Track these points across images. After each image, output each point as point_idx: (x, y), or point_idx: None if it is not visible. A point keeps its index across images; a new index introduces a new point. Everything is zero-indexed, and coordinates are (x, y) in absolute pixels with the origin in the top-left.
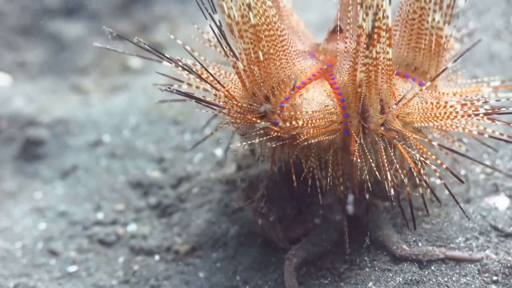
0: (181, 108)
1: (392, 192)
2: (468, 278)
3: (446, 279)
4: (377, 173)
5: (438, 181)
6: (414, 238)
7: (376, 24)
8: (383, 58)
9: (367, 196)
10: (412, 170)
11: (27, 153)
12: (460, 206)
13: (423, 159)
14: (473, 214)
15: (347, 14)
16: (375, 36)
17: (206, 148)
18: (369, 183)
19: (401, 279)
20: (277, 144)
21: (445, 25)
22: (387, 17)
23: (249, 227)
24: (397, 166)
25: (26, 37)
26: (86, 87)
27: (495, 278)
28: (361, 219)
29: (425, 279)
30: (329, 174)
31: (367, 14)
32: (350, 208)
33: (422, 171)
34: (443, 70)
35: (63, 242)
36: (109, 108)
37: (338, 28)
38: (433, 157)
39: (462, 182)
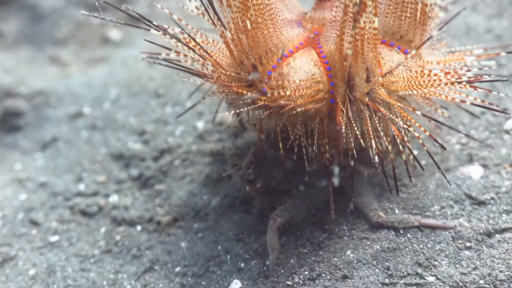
0: (162, 80)
1: (377, 159)
2: (442, 245)
3: (421, 246)
4: (362, 140)
5: (416, 152)
6: (391, 206)
7: None
8: (369, 28)
9: (352, 163)
10: (396, 137)
11: (6, 124)
12: (442, 173)
13: (407, 127)
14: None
15: None
16: (362, 6)
17: (187, 120)
18: (354, 151)
19: (378, 247)
20: (265, 113)
21: None
22: None
23: (230, 199)
24: (382, 134)
25: (1, 7)
26: (64, 59)
27: (468, 244)
28: (344, 186)
29: (401, 246)
30: (315, 142)
31: None
32: (336, 181)
33: (405, 138)
34: (428, 39)
35: (44, 212)
36: (89, 80)
37: None
38: (417, 124)
39: (444, 148)
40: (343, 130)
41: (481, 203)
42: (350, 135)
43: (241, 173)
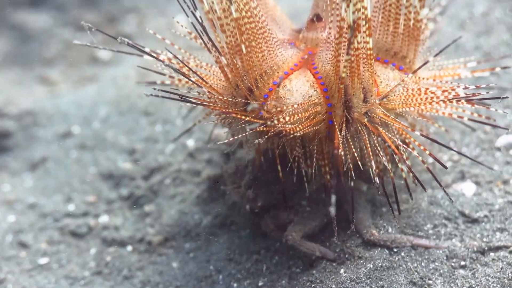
0: (152, 99)
1: (377, 179)
2: (436, 264)
3: (415, 264)
4: (361, 159)
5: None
6: (384, 224)
7: (357, 15)
8: (364, 48)
9: (352, 184)
10: (395, 155)
11: None
12: (444, 190)
13: (405, 146)
14: (442, 200)
15: (324, 2)
16: (356, 27)
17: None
18: (352, 172)
19: (372, 266)
20: (261, 139)
21: (421, 9)
22: (366, 7)
23: (221, 219)
24: (381, 153)
25: None
26: (53, 79)
27: (462, 263)
28: (342, 201)
29: (395, 265)
30: (314, 164)
31: (348, 6)
32: (332, 210)
33: (404, 156)
34: (424, 64)
35: (33, 234)
36: (78, 99)
37: (316, 18)
38: (416, 143)
39: (445, 167)
40: (341, 152)
41: (474, 220)
42: (349, 155)
43: (241, 192)
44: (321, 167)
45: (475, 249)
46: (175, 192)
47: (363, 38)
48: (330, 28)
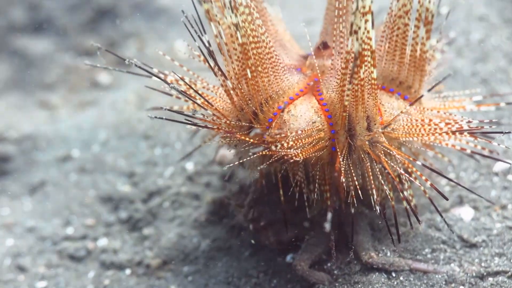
0: (151, 122)
1: (378, 208)
2: None
3: None
4: (362, 185)
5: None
6: (382, 248)
7: (362, 47)
8: (368, 78)
9: (353, 211)
10: (396, 184)
11: None
12: (442, 217)
13: (407, 175)
14: (440, 223)
15: (331, 29)
16: (361, 58)
17: (176, 162)
18: (354, 198)
19: None
20: (265, 165)
21: (428, 40)
22: (371, 39)
23: (219, 242)
24: (382, 181)
25: None
26: (53, 103)
27: (461, 287)
28: (344, 226)
29: None
30: (315, 189)
31: (354, 39)
32: (327, 226)
33: (406, 185)
34: (419, 98)
35: (31, 257)
36: (78, 123)
37: (323, 46)
38: (418, 173)
39: (446, 199)
40: (343, 179)
41: (473, 245)
42: (351, 182)
43: (244, 212)
44: (323, 192)
45: (474, 274)
46: (174, 215)
47: (368, 68)
48: (338, 55)
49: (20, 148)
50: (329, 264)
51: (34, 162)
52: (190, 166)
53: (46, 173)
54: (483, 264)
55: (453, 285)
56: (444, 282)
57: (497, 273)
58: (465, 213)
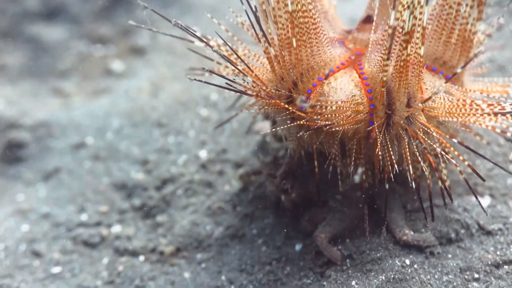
0: (165, 110)
1: (413, 184)
2: (450, 276)
3: (428, 277)
4: (398, 163)
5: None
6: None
7: (413, 22)
8: (415, 54)
9: (387, 186)
10: (432, 162)
11: (9, 155)
12: (479, 202)
13: (445, 154)
14: (459, 208)
15: (378, 5)
16: (410, 34)
17: (190, 149)
18: (389, 174)
19: (384, 278)
20: (304, 133)
21: (478, 22)
22: (423, 14)
23: (233, 230)
24: (419, 158)
25: (6, 41)
26: (67, 91)
27: (476, 275)
28: (377, 201)
29: (408, 277)
30: (349, 162)
31: (407, 14)
32: (357, 178)
33: (442, 165)
34: (466, 63)
35: (46, 243)
36: (92, 110)
37: (368, 19)
38: (456, 152)
39: (484, 180)
40: (379, 153)
41: (489, 233)
42: (387, 157)
43: (276, 183)
44: (358, 166)
45: (489, 262)
46: (187, 203)
47: (416, 45)
48: (381, 30)
49: (34, 135)
50: (347, 240)
51: (48, 149)
52: (203, 154)
53: (61, 160)
54: (498, 253)
55: (467, 273)
56: (459, 270)
57: None
58: (482, 200)
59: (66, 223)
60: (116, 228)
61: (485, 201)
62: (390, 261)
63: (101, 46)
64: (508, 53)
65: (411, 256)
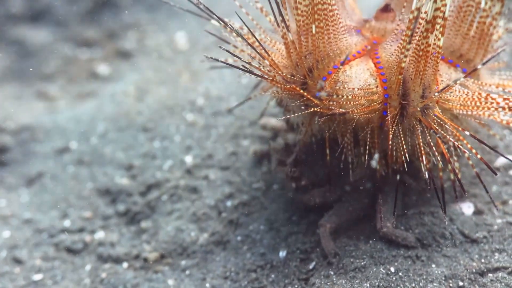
0: (151, 115)
1: (427, 175)
2: (435, 284)
3: (413, 284)
4: (410, 154)
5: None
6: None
7: (435, 13)
8: (434, 45)
9: (398, 177)
10: (444, 155)
11: None
12: (490, 198)
13: (458, 145)
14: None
15: None
16: (432, 24)
17: (175, 155)
18: (403, 164)
19: (368, 285)
20: (318, 120)
21: (499, 15)
22: (445, 5)
23: (218, 236)
24: (433, 150)
25: None
26: (52, 94)
27: (461, 283)
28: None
29: (392, 285)
30: (361, 151)
31: (431, 3)
32: (374, 163)
33: (454, 158)
34: (487, 61)
35: (28, 250)
36: (76, 114)
37: (386, 8)
38: (469, 146)
39: (496, 173)
40: (391, 142)
41: (473, 241)
42: (401, 148)
43: (286, 170)
44: (370, 155)
45: (474, 270)
46: (172, 208)
47: (436, 35)
48: (400, 20)
49: (17, 139)
50: (351, 233)
51: (31, 154)
52: (189, 159)
53: (44, 165)
54: (483, 260)
55: (452, 280)
56: (443, 278)
57: (497, 269)
58: (466, 208)
59: (48, 229)
60: (100, 234)
61: (470, 208)
62: (375, 269)
63: (86, 49)
64: None
65: (396, 264)
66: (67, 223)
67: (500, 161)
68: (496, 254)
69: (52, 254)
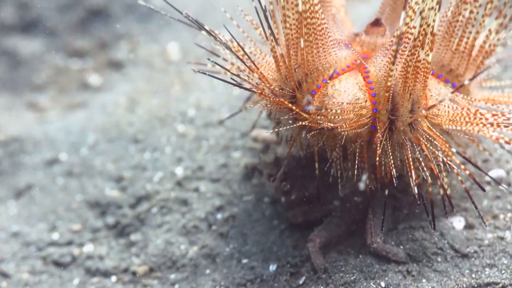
0: (142, 126)
1: (416, 190)
2: None
3: None
4: (399, 169)
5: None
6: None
7: (423, 28)
8: (423, 60)
9: (386, 192)
10: (434, 171)
11: None
12: (479, 213)
13: (448, 161)
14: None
15: (388, 10)
16: (422, 39)
17: (166, 166)
18: (392, 179)
19: None
20: (306, 134)
21: (493, 33)
22: (434, 21)
23: (207, 250)
24: (422, 165)
25: None
26: (42, 105)
27: None
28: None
29: None
30: (350, 166)
31: (418, 19)
32: (362, 185)
33: (443, 174)
34: (474, 77)
35: (15, 263)
36: (66, 125)
37: (376, 23)
38: (457, 161)
39: (484, 190)
40: (378, 159)
41: (464, 256)
42: (389, 163)
43: (276, 184)
44: (360, 169)
45: (465, 285)
46: (162, 221)
47: (424, 51)
48: (390, 34)
49: (6, 151)
50: (341, 247)
51: (20, 165)
52: (179, 171)
53: (33, 177)
54: (473, 276)
55: None
56: None
57: (487, 285)
58: (457, 222)
59: (36, 242)
60: (88, 247)
61: (461, 222)
62: (365, 283)
63: (78, 60)
64: None
65: (386, 279)
66: (55, 236)
67: (492, 175)
68: (487, 269)
69: (40, 268)
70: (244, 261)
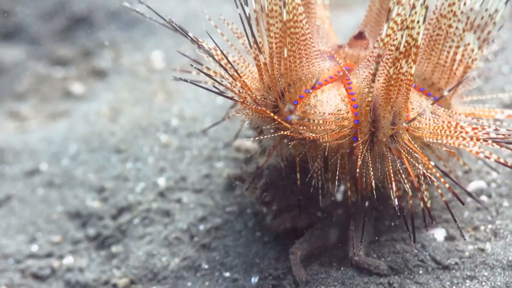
0: (124, 136)
1: (396, 202)
2: None
3: None
4: (380, 181)
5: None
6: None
7: (407, 39)
8: (406, 73)
9: (366, 204)
10: (414, 183)
11: None
12: (459, 228)
13: (428, 175)
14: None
15: (372, 22)
16: (405, 52)
17: (148, 177)
18: (371, 191)
19: None
20: (288, 143)
21: (476, 49)
22: (418, 34)
23: (189, 261)
24: (403, 177)
25: None
26: (24, 114)
27: None
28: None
29: None
30: (331, 177)
31: (398, 29)
32: (339, 196)
33: (423, 187)
34: (454, 87)
35: None
36: (48, 135)
37: (360, 36)
38: (438, 174)
39: (463, 203)
40: (359, 170)
41: (445, 267)
42: (368, 175)
43: (257, 194)
44: (342, 180)
45: None
46: (143, 232)
47: (407, 63)
48: (373, 47)
49: None
50: (323, 259)
51: None
52: (162, 181)
53: (12, 187)
54: (454, 287)
55: None
56: None
57: None
58: (438, 233)
59: (15, 254)
60: (68, 259)
61: (441, 234)
62: None
63: (60, 68)
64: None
65: None
66: (34, 248)
67: (472, 186)
68: (467, 281)
69: (18, 281)
70: (226, 274)
